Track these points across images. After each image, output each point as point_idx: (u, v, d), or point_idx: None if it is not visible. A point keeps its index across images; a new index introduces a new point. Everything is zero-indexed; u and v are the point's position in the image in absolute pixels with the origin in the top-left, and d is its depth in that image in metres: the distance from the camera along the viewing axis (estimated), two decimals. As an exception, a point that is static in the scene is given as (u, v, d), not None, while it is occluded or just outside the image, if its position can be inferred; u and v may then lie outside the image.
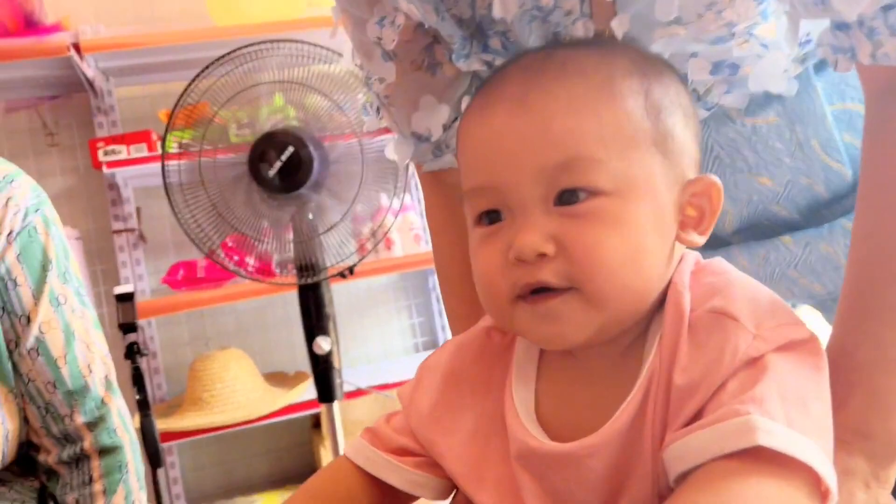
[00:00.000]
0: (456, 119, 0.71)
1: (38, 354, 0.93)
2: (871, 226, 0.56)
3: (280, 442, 2.51)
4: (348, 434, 1.61)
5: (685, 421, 0.48)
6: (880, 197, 0.55)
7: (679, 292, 0.52)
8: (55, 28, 2.33)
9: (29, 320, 0.93)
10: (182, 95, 1.78)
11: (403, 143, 0.73)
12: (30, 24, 2.36)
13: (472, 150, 0.54)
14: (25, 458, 0.97)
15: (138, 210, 2.40)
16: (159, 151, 1.99)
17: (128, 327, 1.53)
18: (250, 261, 1.90)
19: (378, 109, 0.76)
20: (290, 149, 1.62)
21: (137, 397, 1.51)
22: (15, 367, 0.93)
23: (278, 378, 2.39)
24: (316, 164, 1.71)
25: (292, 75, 1.75)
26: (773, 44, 0.62)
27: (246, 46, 1.70)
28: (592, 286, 0.49)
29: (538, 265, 0.50)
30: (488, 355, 0.60)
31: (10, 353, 0.93)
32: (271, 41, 1.73)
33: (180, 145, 1.97)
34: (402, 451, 0.60)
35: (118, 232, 2.36)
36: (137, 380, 1.51)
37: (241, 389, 2.23)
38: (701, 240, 0.55)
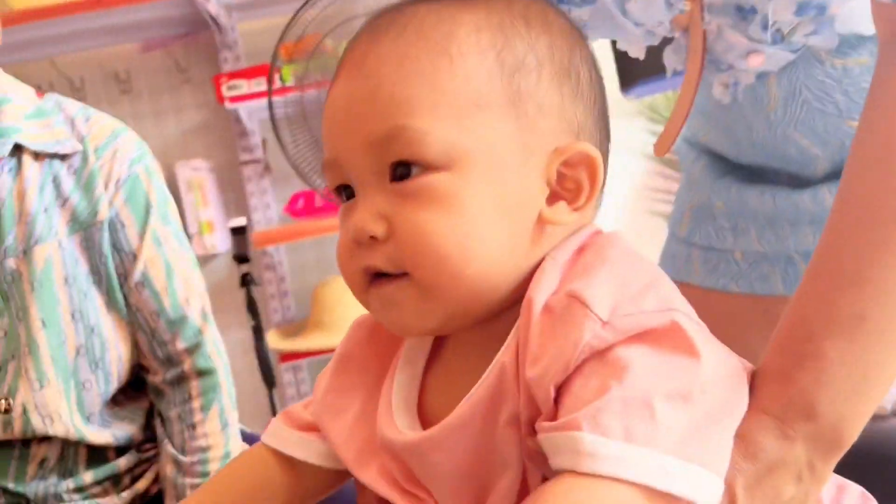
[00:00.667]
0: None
1: (144, 287, 1.04)
2: (857, 187, 0.50)
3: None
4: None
5: (547, 416, 0.43)
6: (874, 156, 0.49)
7: (537, 277, 0.46)
8: (182, -33, 2.44)
9: (135, 257, 1.04)
10: (286, 28, 1.84)
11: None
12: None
13: (323, 119, 0.50)
14: (137, 381, 1.09)
15: (263, 141, 2.53)
16: (277, 85, 2.08)
17: (241, 258, 1.65)
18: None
19: None
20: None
21: (252, 323, 1.63)
22: (125, 298, 1.04)
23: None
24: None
25: None
26: None
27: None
28: (421, 273, 0.45)
29: (372, 248, 0.46)
30: (379, 335, 0.56)
31: (121, 285, 1.04)
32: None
33: (297, 78, 2.06)
34: (312, 428, 0.57)
35: (245, 163, 2.50)
36: (251, 306, 1.64)
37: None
38: (572, 216, 0.48)
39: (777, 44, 0.61)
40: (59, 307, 0.99)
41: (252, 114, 2.50)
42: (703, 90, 0.68)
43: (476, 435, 0.46)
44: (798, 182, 0.72)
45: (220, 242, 2.44)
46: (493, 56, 0.46)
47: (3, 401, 0.96)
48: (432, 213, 0.45)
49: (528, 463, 0.46)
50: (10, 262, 0.98)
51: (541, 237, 0.47)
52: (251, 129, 2.52)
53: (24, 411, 0.96)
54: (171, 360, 1.06)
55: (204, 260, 2.39)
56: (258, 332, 1.59)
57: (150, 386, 1.08)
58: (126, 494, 1.04)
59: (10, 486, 0.99)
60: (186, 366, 1.06)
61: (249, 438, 1.13)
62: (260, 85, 2.29)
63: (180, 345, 1.05)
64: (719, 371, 0.44)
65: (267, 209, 2.55)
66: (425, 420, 0.51)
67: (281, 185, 2.58)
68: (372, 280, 0.48)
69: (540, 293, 0.45)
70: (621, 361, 0.42)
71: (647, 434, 0.40)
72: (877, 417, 1.07)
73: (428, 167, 0.45)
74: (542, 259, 0.47)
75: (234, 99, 2.26)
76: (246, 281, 1.63)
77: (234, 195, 2.55)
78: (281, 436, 0.58)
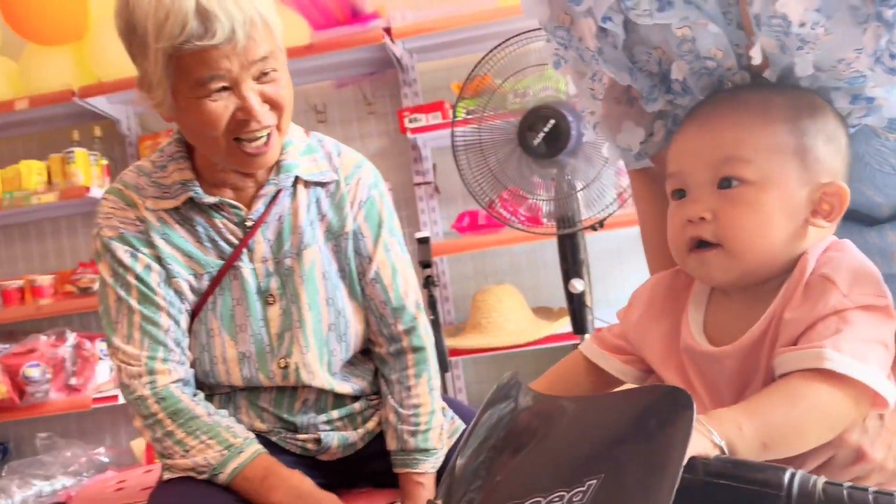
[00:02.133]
0: (651, 135, 0.99)
1: (376, 283, 1.39)
2: None
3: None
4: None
5: (787, 343, 0.72)
6: None
7: (806, 260, 0.74)
8: (374, 16, 2.85)
9: (370, 260, 1.39)
10: (473, 69, 2.18)
11: (613, 149, 1.04)
12: (355, 14, 2.90)
13: (674, 148, 0.82)
14: (365, 351, 1.44)
15: (434, 166, 2.91)
16: (450, 118, 2.43)
17: (425, 264, 2.00)
18: (522, 211, 2.28)
19: (594, 126, 1.07)
20: (552, 121, 1.97)
21: (431, 317, 1.98)
22: (362, 290, 1.39)
23: (544, 312, 2.79)
24: (574, 134, 2.01)
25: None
26: None
27: (526, 32, 2.04)
28: (732, 245, 0.75)
29: (701, 226, 0.77)
30: (675, 289, 0.86)
31: (360, 281, 1.39)
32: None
33: (467, 112, 2.40)
34: (615, 349, 0.87)
35: (418, 184, 2.89)
36: (431, 304, 1.99)
37: (513, 319, 2.66)
38: (827, 224, 0.77)
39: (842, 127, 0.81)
40: (318, 295, 1.36)
41: (426, 143, 2.88)
42: None
43: (752, 352, 0.75)
44: (868, 221, 0.96)
45: (396, 252, 2.84)
46: (791, 125, 0.76)
47: (283, 360, 1.33)
48: (744, 209, 0.75)
49: (768, 374, 0.74)
50: (287, 261, 1.35)
51: (804, 236, 0.77)
52: (424, 156, 2.90)
53: (297, 368, 1.33)
54: (393, 338, 1.41)
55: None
56: (436, 326, 1.94)
57: (375, 355, 1.43)
58: (360, 431, 1.40)
59: (285, 415, 1.37)
60: (404, 343, 1.40)
61: (446, 400, 1.47)
62: (436, 118, 2.66)
63: (400, 326, 1.40)
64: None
65: (435, 225, 2.92)
66: (711, 340, 0.79)
67: (447, 204, 2.95)
68: (693, 248, 0.78)
69: (807, 270, 0.74)
70: (852, 318, 0.69)
71: (867, 358, 0.67)
72: None
73: (744, 182, 0.76)
74: (804, 251, 0.76)
75: (415, 130, 2.64)
76: (428, 283, 1.99)
77: (407, 212, 2.93)
78: (593, 351, 0.88)
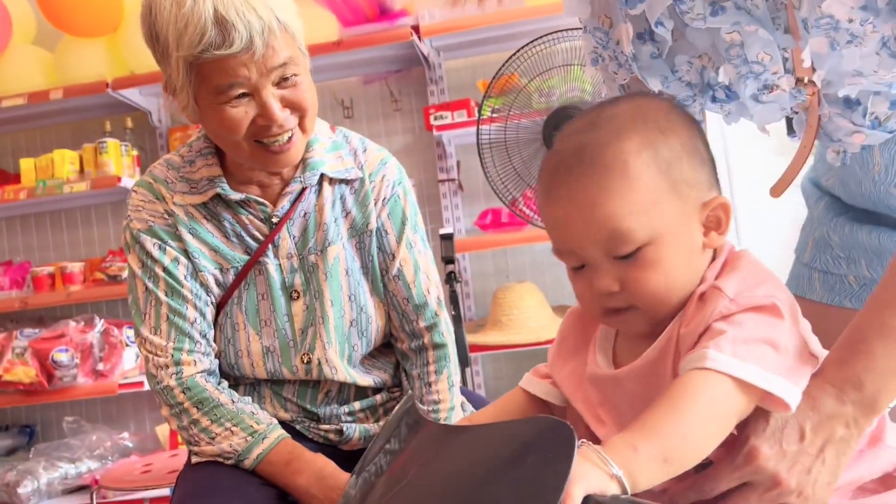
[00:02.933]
0: None
1: (398, 280, 1.41)
2: None
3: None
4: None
5: (687, 352, 0.72)
6: None
7: (703, 279, 0.75)
8: (402, 14, 2.87)
9: (394, 257, 1.41)
10: (501, 68, 2.19)
11: None
12: (384, 11, 2.93)
13: (549, 220, 0.78)
14: (387, 344, 1.47)
15: (458, 163, 2.93)
16: (476, 116, 2.45)
17: (448, 260, 2.02)
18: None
19: None
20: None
21: (453, 313, 2.00)
22: (385, 286, 1.42)
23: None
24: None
25: (581, 55, 2.08)
26: None
27: (554, 32, 2.05)
28: (644, 306, 0.75)
29: (611, 297, 0.75)
30: (584, 322, 0.86)
31: (382, 277, 1.42)
32: (569, 28, 2.08)
33: (493, 111, 2.41)
34: (544, 376, 0.88)
35: (442, 181, 2.91)
36: (453, 299, 2.01)
37: (533, 317, 2.68)
38: (720, 239, 0.76)
39: (875, 128, 0.83)
40: (341, 291, 1.38)
41: (451, 140, 2.90)
42: (826, 146, 0.91)
43: (652, 372, 0.76)
44: (888, 222, 0.96)
45: (418, 248, 2.86)
46: (654, 167, 0.73)
47: (306, 354, 1.36)
48: (648, 271, 0.74)
49: None
50: (311, 258, 1.38)
51: (704, 258, 0.77)
52: (449, 153, 2.92)
53: (319, 363, 1.36)
54: (415, 334, 1.43)
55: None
56: (458, 321, 1.96)
57: (397, 350, 1.46)
58: (381, 423, 1.42)
59: (308, 406, 1.39)
60: (426, 339, 1.43)
61: (465, 394, 1.49)
62: (461, 116, 2.68)
63: (422, 323, 1.42)
64: (794, 339, 0.72)
65: (458, 222, 2.94)
66: (618, 366, 0.81)
67: (469, 201, 2.97)
68: (608, 312, 0.77)
69: (701, 287, 0.75)
70: (737, 319, 0.70)
71: (748, 356, 0.68)
72: None
73: (641, 246, 0.73)
74: (704, 271, 0.76)
75: (441, 128, 2.66)
76: (451, 278, 2.01)
77: (431, 208, 2.96)
78: (527, 380, 0.91)
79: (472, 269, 2.99)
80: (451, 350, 1.44)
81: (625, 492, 0.61)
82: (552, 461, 0.57)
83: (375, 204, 1.41)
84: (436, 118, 2.68)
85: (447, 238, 2.09)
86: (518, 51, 2.12)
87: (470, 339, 2.69)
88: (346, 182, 1.41)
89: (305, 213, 1.38)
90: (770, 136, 0.95)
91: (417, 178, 2.94)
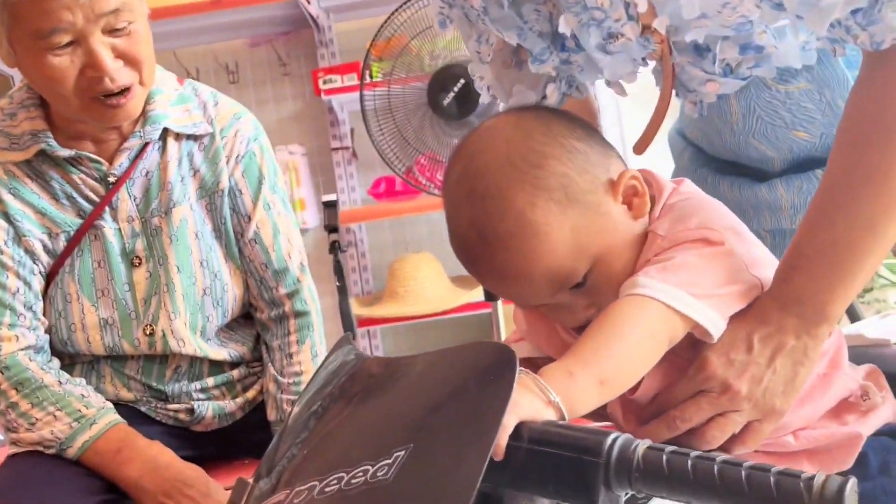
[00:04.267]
0: (543, 99, 0.91)
1: (256, 243, 1.30)
2: (843, 156, 0.72)
3: (466, 336, 2.88)
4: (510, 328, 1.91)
5: None
6: (856, 130, 0.71)
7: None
8: (288, -28, 2.72)
9: (249, 219, 1.30)
10: (380, 29, 2.08)
11: None
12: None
13: (488, 286, 0.78)
14: (247, 315, 1.36)
15: (352, 131, 2.81)
16: (366, 80, 2.34)
17: (331, 228, 1.91)
18: (440, 177, 2.21)
19: (488, 89, 1.00)
20: (462, 81, 1.89)
21: (338, 284, 1.90)
22: (240, 251, 1.30)
23: (463, 281, 2.73)
24: (484, 95, 1.94)
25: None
26: (790, 31, 0.76)
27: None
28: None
29: (587, 314, 0.74)
30: None
31: (238, 241, 1.30)
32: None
33: (384, 74, 2.30)
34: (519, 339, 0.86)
35: (335, 149, 2.78)
36: (338, 270, 1.90)
37: (430, 287, 2.60)
38: (644, 202, 0.75)
39: (728, 75, 0.80)
40: (190, 257, 1.26)
41: (343, 105, 2.78)
42: (683, 97, 0.88)
43: None
44: (759, 176, 0.93)
45: (311, 218, 2.74)
46: (553, 206, 0.70)
47: (149, 326, 1.24)
48: (607, 284, 0.72)
49: None
50: (155, 220, 1.26)
51: (641, 222, 0.75)
52: (342, 119, 2.79)
53: (164, 335, 1.24)
54: (274, 302, 1.32)
55: (295, 234, 2.70)
56: (343, 292, 1.86)
57: (257, 320, 1.35)
58: (239, 400, 1.32)
59: (154, 384, 1.27)
60: (287, 307, 1.32)
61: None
62: (352, 80, 2.56)
63: (282, 290, 1.31)
64: (729, 265, 0.71)
65: (352, 191, 2.83)
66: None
67: (365, 170, 2.86)
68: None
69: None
70: (668, 254, 0.70)
71: (677, 282, 0.68)
72: (883, 346, 1.26)
73: (587, 277, 0.71)
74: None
75: (329, 92, 2.54)
76: (334, 248, 1.90)
77: (323, 177, 2.83)
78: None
79: (369, 241, 2.88)
80: (316, 319, 1.34)
81: (562, 418, 0.60)
82: (493, 386, 0.55)
83: (228, 161, 1.30)
84: (325, 82, 2.55)
85: (330, 206, 1.98)
86: (397, 9, 2.01)
87: (366, 311, 2.59)
88: (195, 138, 1.29)
89: (147, 172, 1.26)
90: (627, 96, 0.91)
91: (309, 146, 2.81)
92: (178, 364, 1.28)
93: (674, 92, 0.83)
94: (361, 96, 2.06)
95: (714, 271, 0.70)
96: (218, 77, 2.80)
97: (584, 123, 0.78)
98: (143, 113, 1.24)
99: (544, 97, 0.90)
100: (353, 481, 0.52)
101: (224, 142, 1.30)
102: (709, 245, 0.71)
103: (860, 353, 1.25)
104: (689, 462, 0.51)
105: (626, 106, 2.48)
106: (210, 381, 1.30)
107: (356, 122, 2.82)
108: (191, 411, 1.28)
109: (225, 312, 1.30)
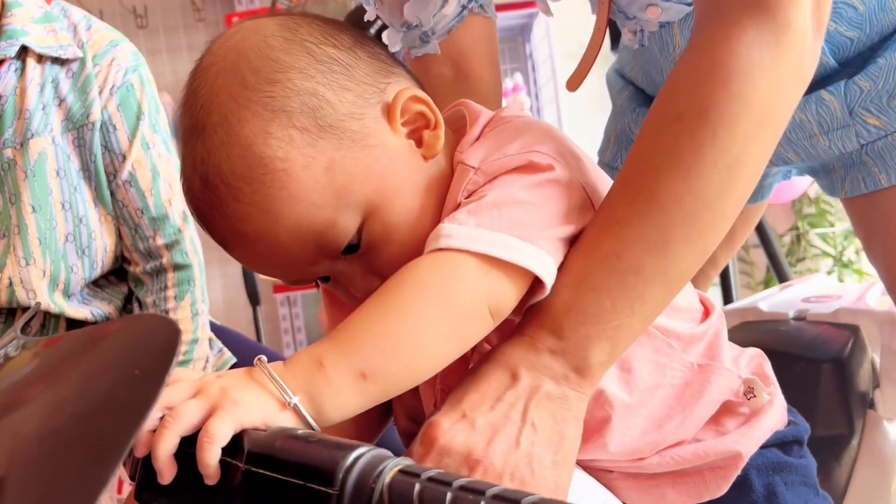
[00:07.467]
0: (442, 7, 0.79)
1: (131, 186, 1.14)
2: (647, 141, 0.54)
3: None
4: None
5: None
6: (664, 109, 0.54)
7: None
8: None
9: (124, 158, 1.14)
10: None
11: (393, 33, 0.83)
12: None
13: (243, 263, 0.59)
14: (120, 270, 1.20)
15: (271, 84, 2.63)
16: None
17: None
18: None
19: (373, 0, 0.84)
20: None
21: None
22: (112, 194, 1.14)
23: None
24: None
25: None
26: None
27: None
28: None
29: (364, 284, 0.56)
30: None
31: (110, 182, 1.14)
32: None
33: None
34: None
35: (252, 103, 2.61)
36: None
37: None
38: (438, 134, 0.56)
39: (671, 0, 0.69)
40: (50, 196, 1.10)
41: (261, 56, 2.59)
42: (623, 26, 0.77)
43: None
44: None
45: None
46: (295, 138, 0.51)
47: None
48: (387, 247, 0.54)
49: None
50: (7, 153, 1.08)
51: (438, 163, 0.57)
52: (260, 71, 2.61)
53: (10, 284, 1.07)
54: (151, 254, 1.16)
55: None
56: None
57: (130, 275, 1.19)
58: (102, 366, 1.15)
59: (-3, 346, 1.10)
60: (165, 259, 1.16)
61: (218, 330, 1.24)
62: (269, 27, 2.38)
63: (160, 240, 1.16)
64: (569, 192, 0.54)
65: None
66: None
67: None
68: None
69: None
70: (483, 191, 0.53)
71: (494, 224, 0.50)
72: (779, 321, 1.15)
73: (357, 232, 0.53)
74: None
75: (243, 38, 2.35)
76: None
77: (240, 133, 2.65)
78: None
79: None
80: (198, 273, 1.18)
81: (306, 423, 0.44)
82: (138, 381, 0.38)
83: (101, 92, 1.13)
84: (240, 28, 2.37)
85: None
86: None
87: (280, 277, 2.44)
88: (61, 62, 1.12)
89: (1, 96, 1.08)
90: (553, 15, 0.78)
91: (224, 99, 2.62)
92: (27, 321, 1.11)
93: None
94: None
95: (544, 204, 0.53)
96: (125, 21, 2.59)
97: (360, 33, 0.58)
98: None
99: (444, 4, 0.76)
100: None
101: (97, 70, 1.13)
102: (535, 172, 0.53)
103: (753, 328, 1.10)
104: (449, 495, 0.36)
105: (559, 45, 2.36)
106: None
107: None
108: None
109: (93, 264, 1.13)
